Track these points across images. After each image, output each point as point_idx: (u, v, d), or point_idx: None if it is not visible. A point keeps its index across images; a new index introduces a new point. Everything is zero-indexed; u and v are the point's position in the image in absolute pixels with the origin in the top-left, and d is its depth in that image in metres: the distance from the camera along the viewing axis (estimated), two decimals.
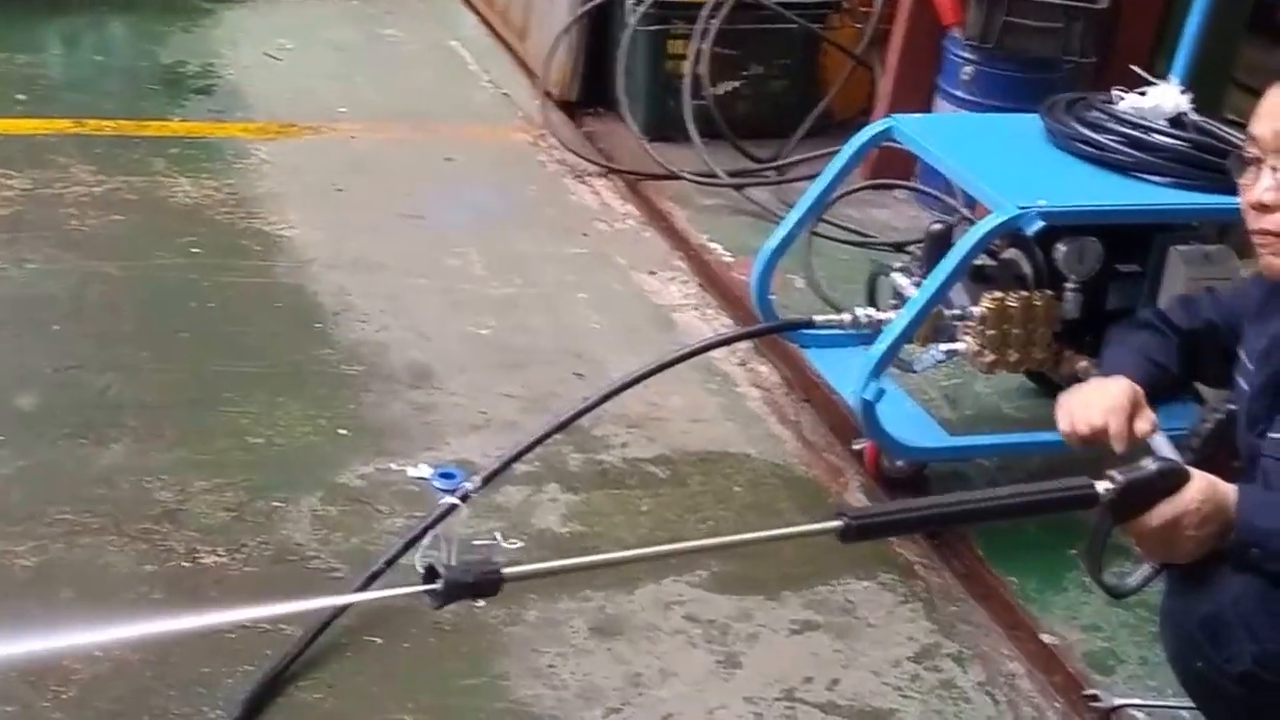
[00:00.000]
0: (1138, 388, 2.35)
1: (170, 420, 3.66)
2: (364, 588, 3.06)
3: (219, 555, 3.23)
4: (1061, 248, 3.42)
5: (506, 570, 1.93)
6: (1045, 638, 3.18)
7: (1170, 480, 2.12)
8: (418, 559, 3.12)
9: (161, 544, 3.24)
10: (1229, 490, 2.15)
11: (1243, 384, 2.36)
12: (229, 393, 3.79)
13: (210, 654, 2.91)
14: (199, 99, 5.53)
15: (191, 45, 5.94)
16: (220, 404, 3.75)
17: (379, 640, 3.01)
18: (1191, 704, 2.45)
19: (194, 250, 4.45)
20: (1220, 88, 4.58)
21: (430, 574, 1.90)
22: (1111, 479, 2.10)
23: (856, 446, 3.71)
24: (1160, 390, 2.32)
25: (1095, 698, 3.01)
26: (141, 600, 3.09)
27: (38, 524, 3.25)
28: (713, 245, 4.71)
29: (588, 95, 5.61)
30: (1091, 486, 2.10)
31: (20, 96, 5.34)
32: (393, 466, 3.55)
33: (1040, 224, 3.27)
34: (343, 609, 3.02)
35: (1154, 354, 2.40)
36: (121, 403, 3.71)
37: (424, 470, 3.55)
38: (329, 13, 6.33)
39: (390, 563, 3.13)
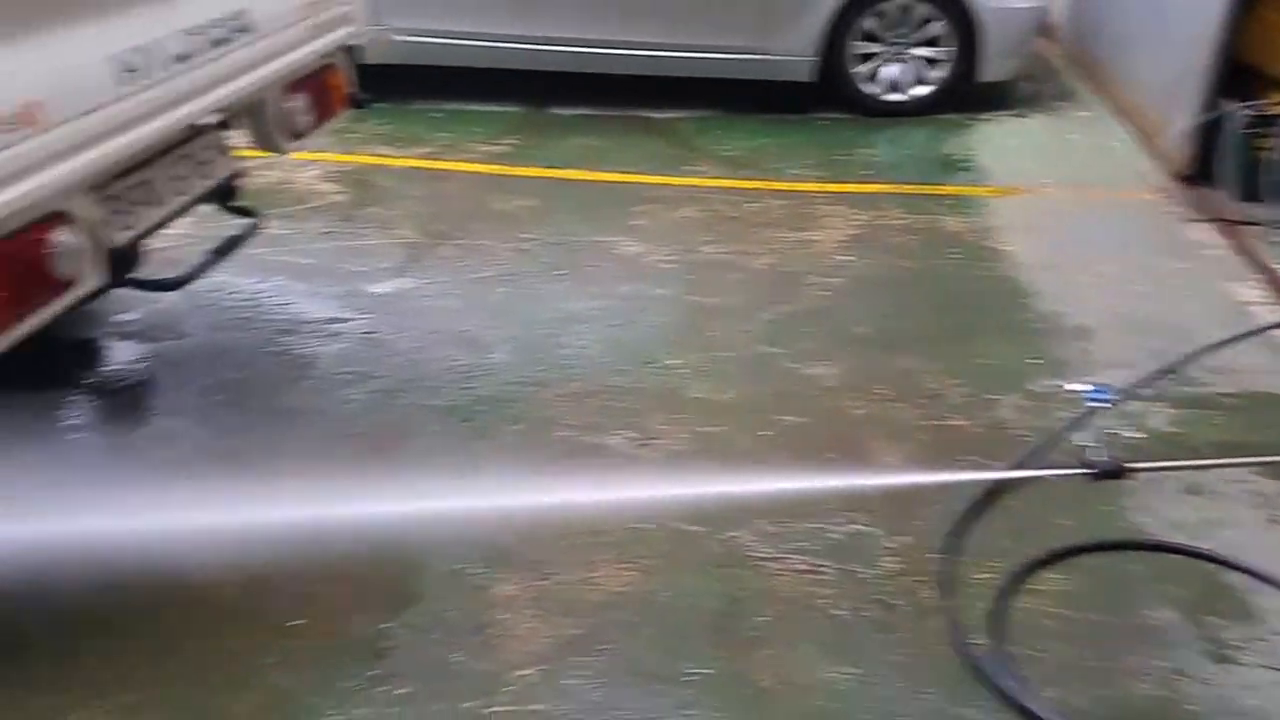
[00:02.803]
0: None
1: (938, 348, 3.68)
2: (1048, 449, 3.02)
3: (959, 421, 3.27)
4: None
5: (1128, 465, 2.07)
6: None
7: None
8: (1075, 437, 3.09)
9: (928, 410, 3.32)
10: None
11: None
12: (970, 335, 3.77)
13: (938, 492, 2.90)
14: (962, 173, 5.37)
15: (959, 143, 5.77)
16: (965, 341, 3.73)
17: (1048, 478, 2.86)
18: None
19: (953, 256, 4.41)
20: None
21: (1086, 463, 1.98)
22: None
23: None
24: None
25: None
26: (908, 439, 3.13)
27: (863, 394, 3.39)
28: None
29: (1199, 173, 5.14)
30: None
31: (864, 171, 5.36)
32: (1061, 384, 3.40)
33: None
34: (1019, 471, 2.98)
35: None
36: (911, 336, 3.75)
37: (1080, 386, 3.29)
38: (1033, 126, 6.13)
39: (1061, 437, 3.10)
